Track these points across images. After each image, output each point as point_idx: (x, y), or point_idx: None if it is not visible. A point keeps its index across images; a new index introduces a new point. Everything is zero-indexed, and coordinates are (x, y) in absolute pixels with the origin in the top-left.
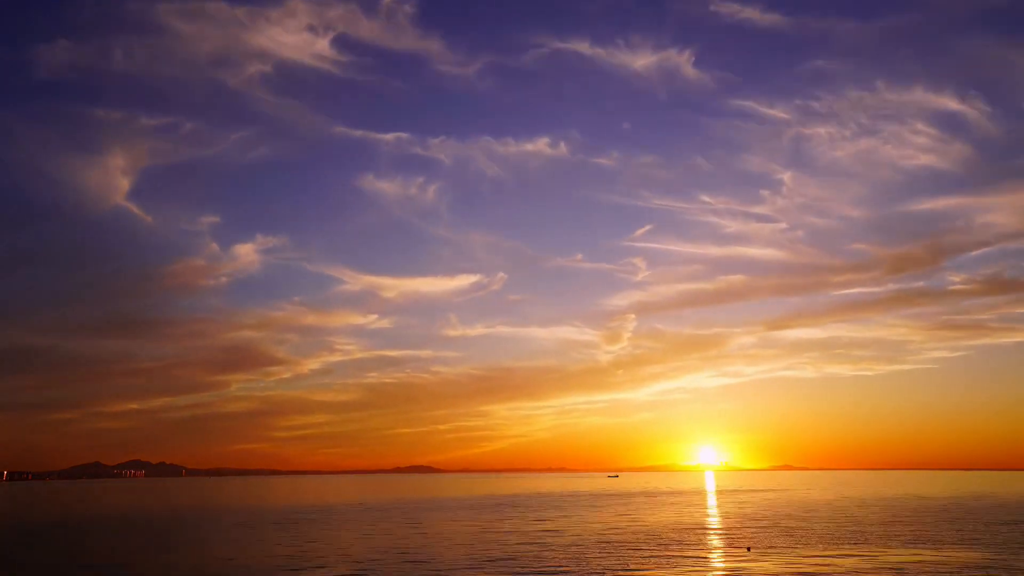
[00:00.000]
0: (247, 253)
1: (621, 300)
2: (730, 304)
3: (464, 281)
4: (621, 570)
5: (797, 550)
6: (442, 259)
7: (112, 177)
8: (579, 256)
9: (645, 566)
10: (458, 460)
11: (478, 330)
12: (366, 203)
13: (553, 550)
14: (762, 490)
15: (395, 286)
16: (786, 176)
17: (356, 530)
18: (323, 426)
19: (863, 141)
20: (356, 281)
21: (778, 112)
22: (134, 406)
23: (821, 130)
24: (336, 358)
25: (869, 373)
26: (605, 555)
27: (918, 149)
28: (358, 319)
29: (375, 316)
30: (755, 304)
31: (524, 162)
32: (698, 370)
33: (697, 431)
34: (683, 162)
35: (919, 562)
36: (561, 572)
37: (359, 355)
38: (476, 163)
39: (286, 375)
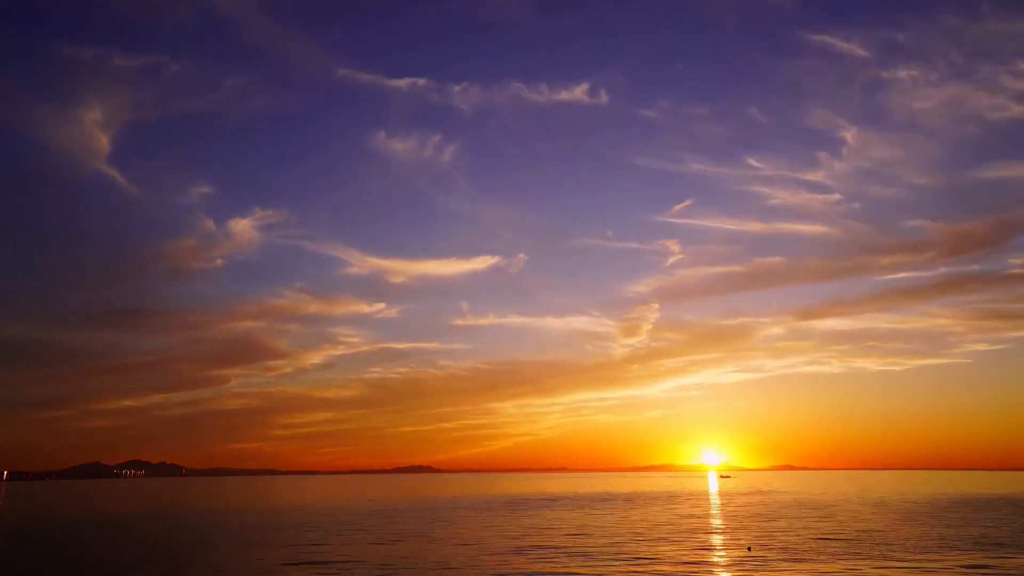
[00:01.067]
0: (244, 230)
1: (645, 287)
2: (762, 291)
3: (480, 264)
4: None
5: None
6: (457, 237)
7: (89, 135)
8: (609, 234)
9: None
10: (458, 460)
11: (489, 320)
12: (375, 167)
13: None
14: (773, 491)
15: (404, 270)
16: (850, 134)
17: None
18: (324, 424)
19: (950, 87)
20: (362, 264)
21: (855, 47)
22: (128, 403)
23: (902, 72)
24: (339, 351)
25: (896, 368)
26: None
27: (1011, 97)
28: (364, 307)
29: (382, 305)
30: (788, 291)
31: (557, 116)
32: (718, 365)
33: (704, 430)
34: (736, 115)
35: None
36: None
37: (363, 348)
38: (502, 116)
39: (287, 369)
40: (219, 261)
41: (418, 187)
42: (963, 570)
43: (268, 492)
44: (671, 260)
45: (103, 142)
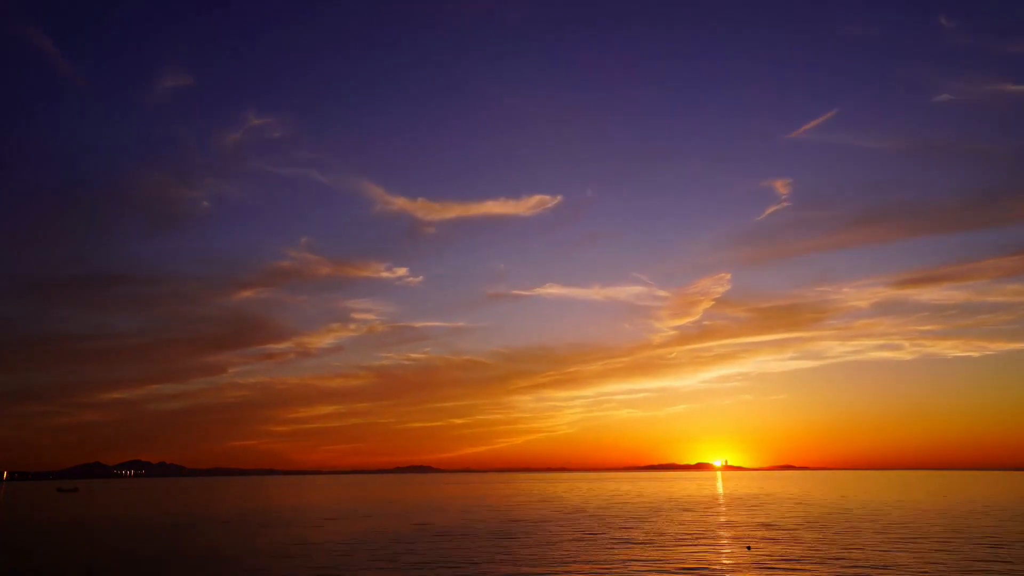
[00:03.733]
0: (236, 148)
1: (724, 244)
2: (867, 245)
3: (530, 206)
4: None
5: None
6: (512, 165)
7: None
8: (716, 154)
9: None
10: (460, 459)
11: (526, 290)
12: (408, 57)
13: None
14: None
15: (438, 214)
16: None
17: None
18: (327, 419)
19: None
20: (386, 206)
21: None
22: (117, 395)
23: None
24: (349, 332)
25: (975, 354)
26: None
27: None
28: (383, 272)
29: (404, 270)
30: (903, 245)
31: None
32: (774, 351)
33: (724, 428)
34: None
35: None
36: None
37: (378, 326)
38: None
39: (289, 355)
40: (205, 203)
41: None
42: None
43: (269, 492)
44: (771, 209)
45: None
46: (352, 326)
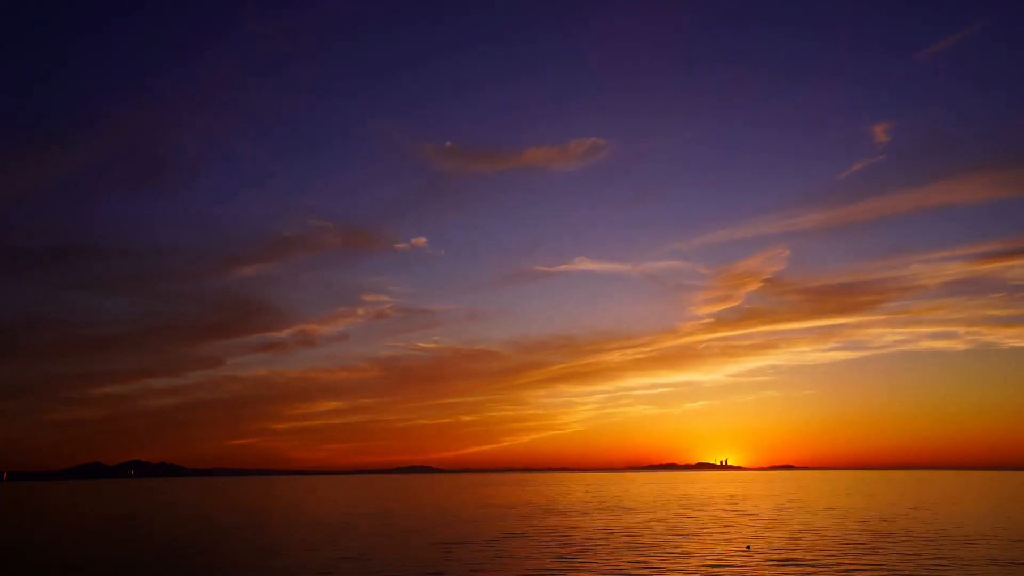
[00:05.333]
0: (229, 75)
1: (790, 207)
2: (956, 208)
3: (582, 156)
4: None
5: None
6: (559, 105)
7: None
8: (805, 88)
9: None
10: (462, 459)
11: (551, 265)
12: None
13: None
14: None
15: (469, 162)
16: None
17: None
18: (330, 416)
19: None
20: (409, 154)
21: None
22: (109, 390)
23: None
24: (358, 317)
25: None
26: None
27: None
28: (399, 243)
29: (423, 240)
30: (998, 206)
31: None
32: (814, 341)
33: (732, 428)
34: None
35: None
36: None
37: (388, 310)
38: None
39: (291, 344)
40: (192, 150)
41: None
42: None
43: (285, 493)
44: (858, 164)
45: None
46: (361, 310)
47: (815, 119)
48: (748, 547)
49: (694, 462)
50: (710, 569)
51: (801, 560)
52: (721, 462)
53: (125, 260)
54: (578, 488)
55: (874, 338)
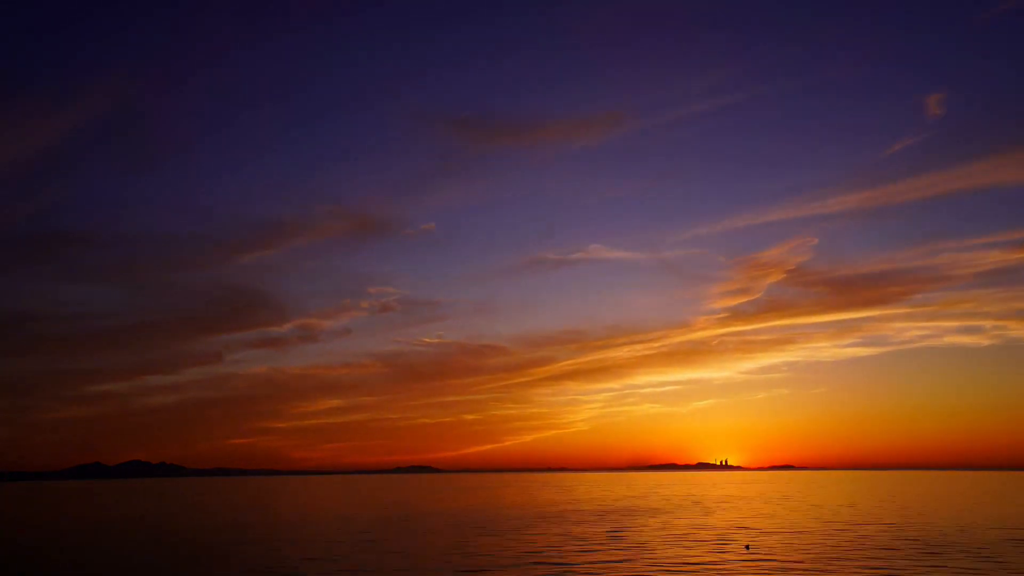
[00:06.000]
0: (222, 45)
1: (826, 188)
2: (1000, 188)
3: (606, 127)
4: None
5: None
6: (584, 71)
7: None
8: (851, 57)
9: None
10: (463, 458)
11: (565, 252)
12: None
13: None
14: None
15: (486, 137)
16: None
17: None
18: (330, 415)
19: None
20: (420, 130)
21: None
22: (105, 388)
23: None
24: (362, 311)
25: None
26: None
27: None
28: (407, 228)
29: (433, 224)
30: None
31: None
32: (832, 336)
33: (738, 427)
34: None
35: None
36: None
37: (394, 302)
38: None
39: (292, 339)
40: (183, 129)
41: None
42: None
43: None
44: (905, 141)
45: None
46: (365, 303)
47: (860, 91)
48: (747, 547)
49: (694, 462)
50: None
51: (802, 559)
52: (721, 462)
53: (114, 247)
54: (600, 488)
55: (896, 333)
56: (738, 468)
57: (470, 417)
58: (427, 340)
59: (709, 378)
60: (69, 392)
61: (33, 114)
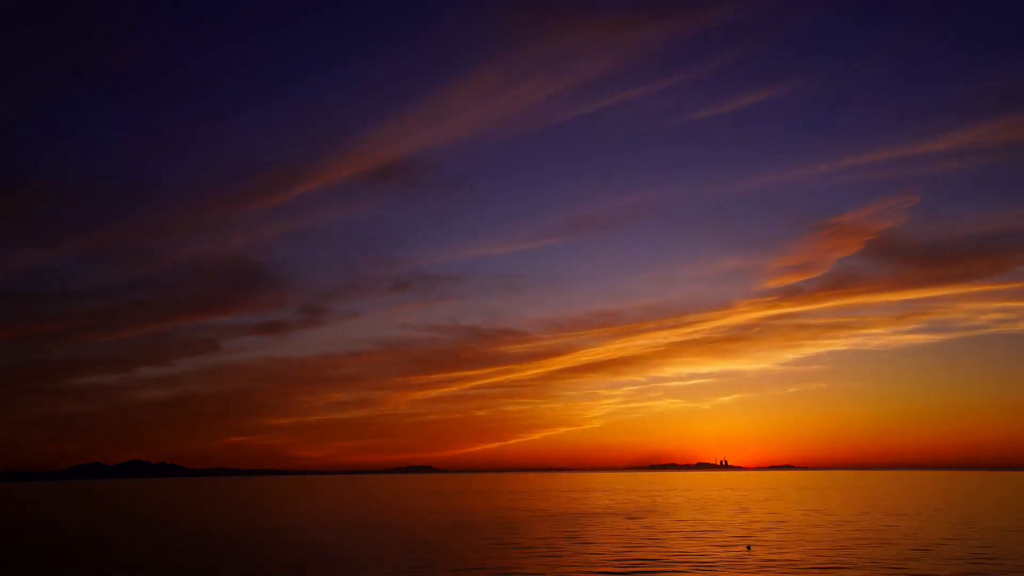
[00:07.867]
0: None
1: (942, 121)
2: None
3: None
4: None
5: None
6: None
7: None
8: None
9: None
10: (463, 458)
11: (610, 207)
12: None
13: None
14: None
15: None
16: None
17: None
18: (335, 410)
19: None
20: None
21: None
22: (93, 380)
23: None
24: (370, 294)
25: None
26: None
27: None
28: (436, 185)
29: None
30: None
31: None
32: (894, 321)
33: (758, 426)
34: None
35: None
36: None
37: (412, 281)
38: None
39: (293, 324)
40: (160, 59)
41: None
42: None
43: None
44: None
45: None
46: (379, 279)
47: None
48: (748, 547)
49: (694, 462)
50: None
51: (803, 560)
52: (720, 462)
53: (88, 204)
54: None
55: (969, 316)
56: (737, 468)
57: (480, 413)
58: (440, 325)
59: (741, 371)
60: (57, 386)
61: None
